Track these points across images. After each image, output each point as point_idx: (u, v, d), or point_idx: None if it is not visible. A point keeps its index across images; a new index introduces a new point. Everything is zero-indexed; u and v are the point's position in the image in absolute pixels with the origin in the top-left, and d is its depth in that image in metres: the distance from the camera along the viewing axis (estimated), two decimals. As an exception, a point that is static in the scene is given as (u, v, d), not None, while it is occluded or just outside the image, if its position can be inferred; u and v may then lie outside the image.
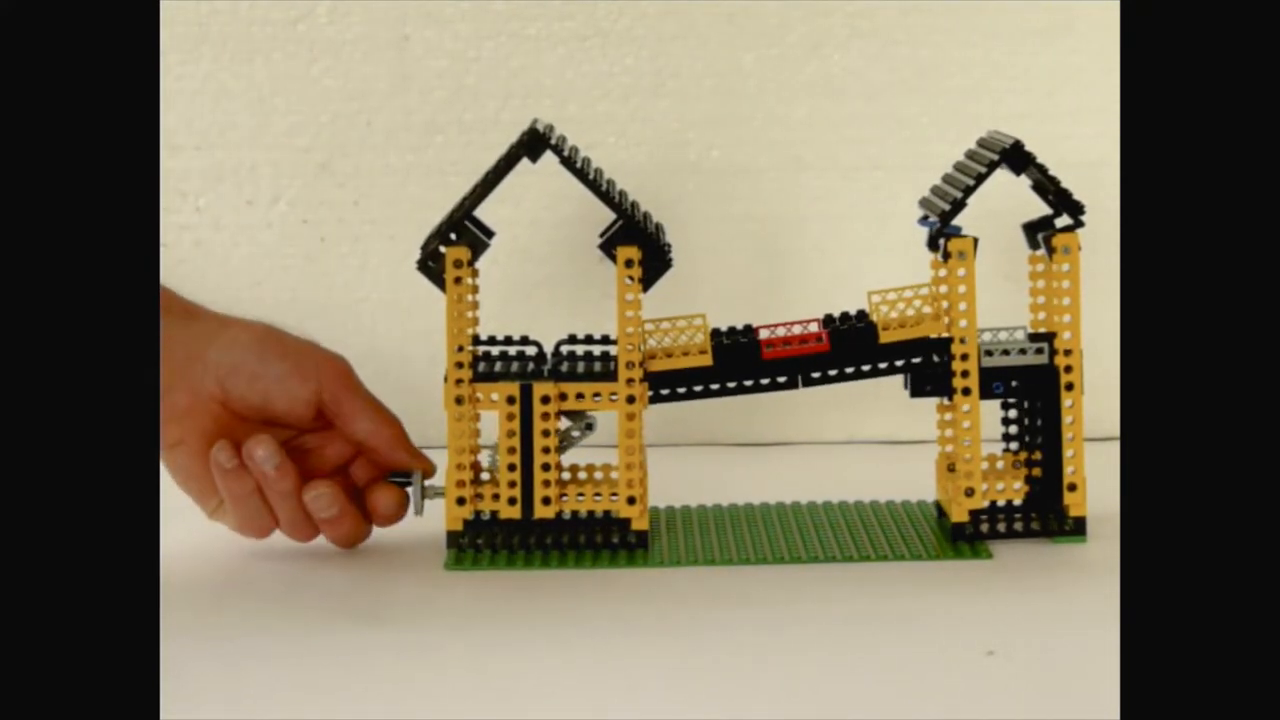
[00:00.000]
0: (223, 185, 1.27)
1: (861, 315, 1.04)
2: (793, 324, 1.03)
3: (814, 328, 1.03)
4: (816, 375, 1.03)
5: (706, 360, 1.03)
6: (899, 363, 1.03)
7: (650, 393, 1.02)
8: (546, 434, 1.01)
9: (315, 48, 1.25)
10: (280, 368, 1.01)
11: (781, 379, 1.03)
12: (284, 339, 1.03)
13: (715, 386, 1.03)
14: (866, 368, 1.03)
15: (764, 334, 1.03)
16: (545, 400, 1.01)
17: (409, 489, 1.03)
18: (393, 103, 1.26)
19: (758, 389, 1.03)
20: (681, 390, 1.03)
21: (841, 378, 1.03)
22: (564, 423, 1.03)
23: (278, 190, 1.27)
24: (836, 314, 1.04)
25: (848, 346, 1.03)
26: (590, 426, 1.03)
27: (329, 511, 1.01)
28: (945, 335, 1.02)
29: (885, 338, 1.02)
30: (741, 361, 1.03)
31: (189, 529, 1.05)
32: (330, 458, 1.03)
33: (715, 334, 1.04)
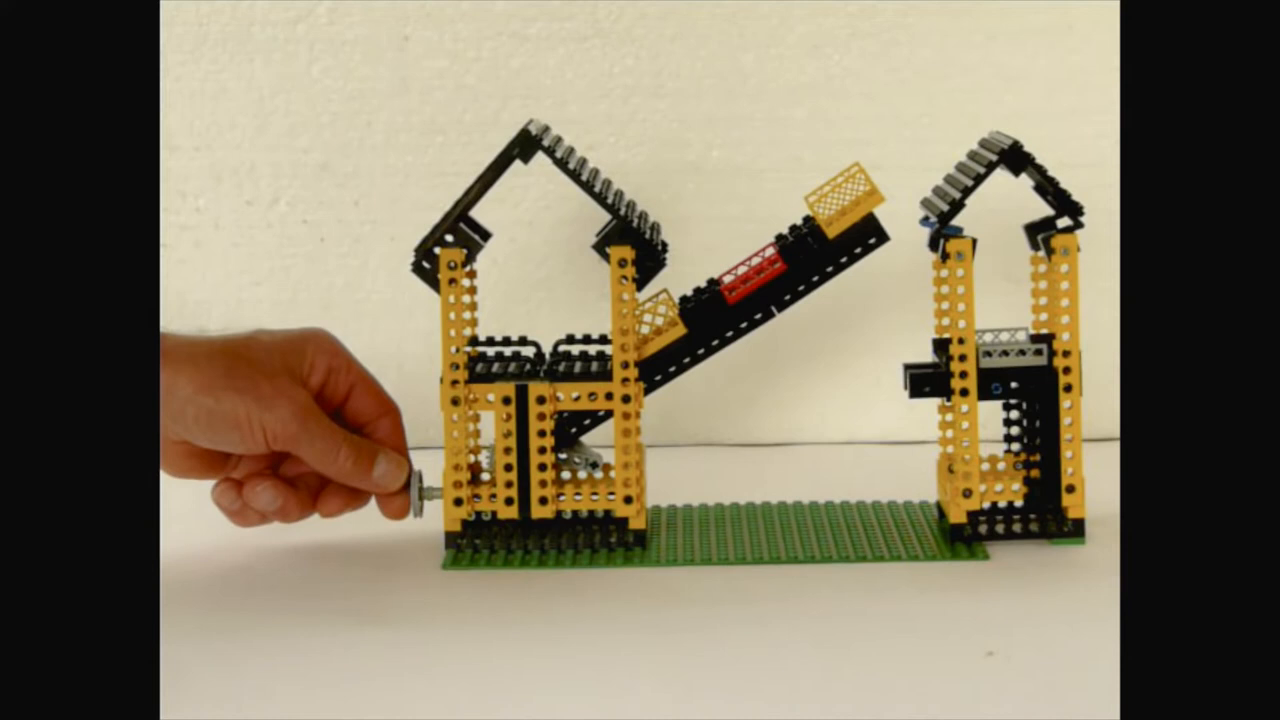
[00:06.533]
0: (223, 185, 1.27)
1: (808, 220, 1.03)
2: (750, 257, 1.03)
3: (770, 252, 1.03)
4: (788, 298, 1.03)
5: (681, 330, 1.03)
6: (857, 250, 1.02)
7: (645, 385, 1.02)
8: (543, 434, 1.01)
9: (315, 48, 1.25)
10: (228, 437, 0.98)
11: (757, 316, 1.03)
12: (226, 395, 0.97)
13: (700, 351, 1.03)
14: (830, 269, 1.02)
15: (727, 279, 1.03)
16: (541, 400, 1.01)
17: (409, 490, 1.03)
18: (393, 103, 1.25)
19: (740, 334, 1.03)
20: (671, 369, 1.03)
21: (810, 288, 1.03)
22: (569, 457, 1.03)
23: (278, 190, 1.27)
24: (788, 231, 1.03)
25: (802, 257, 1.02)
26: (596, 465, 1.03)
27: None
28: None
29: (833, 232, 1.02)
30: (712, 317, 1.03)
31: (189, 529, 1.05)
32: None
33: (682, 301, 1.04)
